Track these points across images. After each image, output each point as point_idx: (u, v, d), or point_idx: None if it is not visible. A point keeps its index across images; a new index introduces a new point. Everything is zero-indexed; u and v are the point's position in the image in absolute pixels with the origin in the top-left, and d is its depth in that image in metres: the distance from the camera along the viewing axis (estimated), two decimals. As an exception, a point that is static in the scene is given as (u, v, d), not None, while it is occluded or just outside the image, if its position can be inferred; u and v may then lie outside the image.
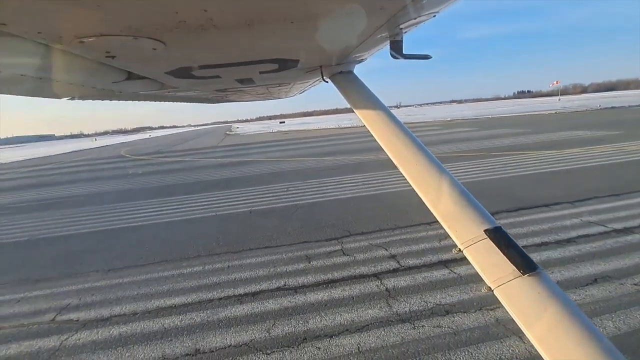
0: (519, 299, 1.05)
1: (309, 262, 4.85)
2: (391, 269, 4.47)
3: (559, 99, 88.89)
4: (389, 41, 1.47)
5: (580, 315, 0.98)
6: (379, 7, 0.94)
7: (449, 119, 44.53)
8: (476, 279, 4.05)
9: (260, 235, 6.14)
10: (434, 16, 1.19)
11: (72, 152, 44.44)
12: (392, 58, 1.60)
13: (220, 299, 4.09)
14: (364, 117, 1.70)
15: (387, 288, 4.00)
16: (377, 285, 4.08)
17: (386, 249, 5.09)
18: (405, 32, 1.38)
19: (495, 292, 1.11)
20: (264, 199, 9.01)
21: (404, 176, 1.46)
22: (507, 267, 1.10)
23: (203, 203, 9.14)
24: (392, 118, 1.64)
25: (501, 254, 1.13)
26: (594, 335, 0.94)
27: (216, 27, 0.88)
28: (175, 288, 4.45)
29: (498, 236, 1.18)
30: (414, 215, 6.51)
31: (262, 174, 13.02)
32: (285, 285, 4.28)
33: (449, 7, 1.14)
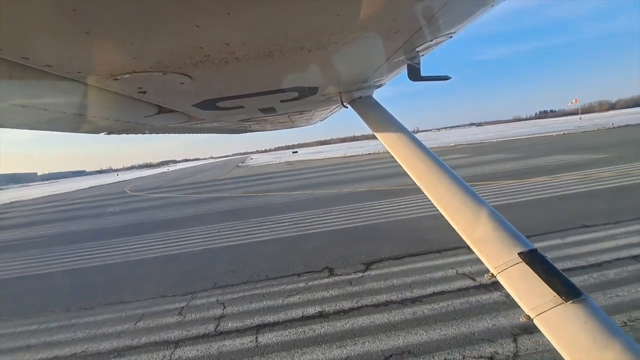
0: (563, 328, 0.96)
1: (136, 324, 4.61)
2: (201, 334, 4.14)
3: (580, 118, 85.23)
4: (406, 65, 1.49)
5: (633, 346, 0.90)
6: (394, 31, 0.94)
7: (452, 144, 43.50)
8: (268, 350, 3.65)
9: (134, 287, 6.01)
10: (451, 37, 1.18)
11: (89, 187, 47.40)
12: (410, 81, 1.63)
13: (9, 367, 3.93)
14: (386, 141, 1.69)
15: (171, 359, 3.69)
16: (164, 356, 3.77)
17: (224, 307, 4.77)
18: (423, 54, 1.38)
19: (535, 321, 1.01)
20: (187, 241, 8.94)
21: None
22: (546, 293, 1.02)
23: (131, 246, 9.20)
24: (414, 140, 1.62)
25: (539, 278, 1.05)
26: None
27: (238, 59, 0.92)
28: (-11, 351, 4.36)
29: (534, 259, 1.10)
30: (300, 264, 6.15)
31: (218, 212, 13.07)
32: (83, 351, 4.07)
33: (465, 27, 1.11)
